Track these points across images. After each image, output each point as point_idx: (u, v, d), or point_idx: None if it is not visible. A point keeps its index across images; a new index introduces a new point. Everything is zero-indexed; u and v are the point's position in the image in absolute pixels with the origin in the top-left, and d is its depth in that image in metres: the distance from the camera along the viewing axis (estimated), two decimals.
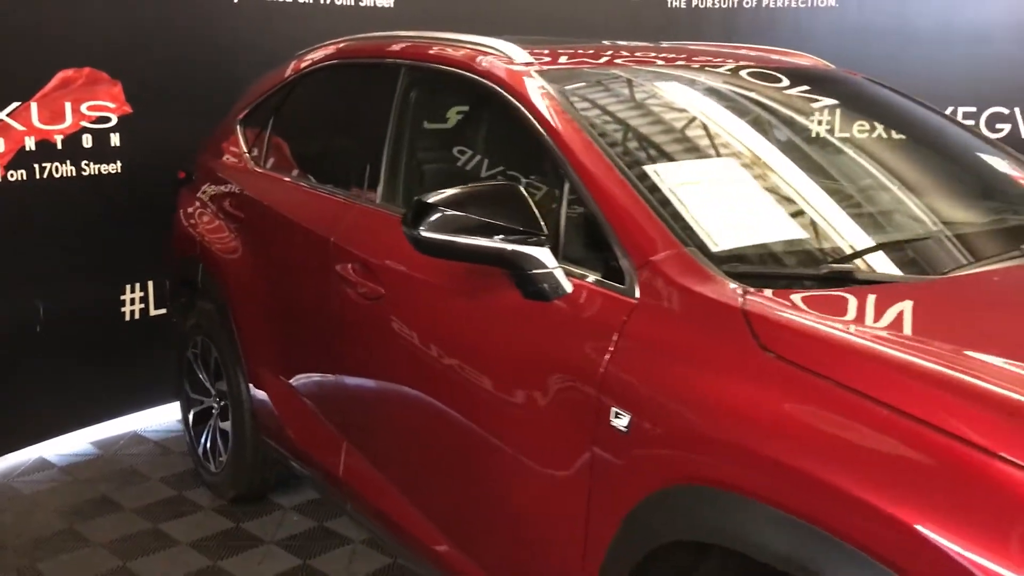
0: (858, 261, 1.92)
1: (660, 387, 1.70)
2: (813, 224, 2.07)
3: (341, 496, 2.84)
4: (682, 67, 2.58)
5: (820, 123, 2.47)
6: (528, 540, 2.06)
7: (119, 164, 4.25)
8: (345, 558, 3.27)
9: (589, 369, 1.83)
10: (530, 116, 2.20)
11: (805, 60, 3.01)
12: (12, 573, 3.19)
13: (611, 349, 1.81)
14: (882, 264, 1.93)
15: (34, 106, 3.91)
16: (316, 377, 2.94)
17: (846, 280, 1.82)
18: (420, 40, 2.76)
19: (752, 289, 1.73)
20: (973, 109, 5.37)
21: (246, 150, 3.48)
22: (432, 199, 1.97)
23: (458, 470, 2.27)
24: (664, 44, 2.93)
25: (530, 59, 2.41)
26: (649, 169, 2.05)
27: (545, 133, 2.15)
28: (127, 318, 4.45)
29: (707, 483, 1.59)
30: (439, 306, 2.30)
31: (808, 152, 2.38)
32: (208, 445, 3.73)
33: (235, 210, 3.35)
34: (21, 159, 3.90)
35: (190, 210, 3.65)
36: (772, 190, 2.13)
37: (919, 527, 1.30)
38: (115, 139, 4.23)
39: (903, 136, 2.61)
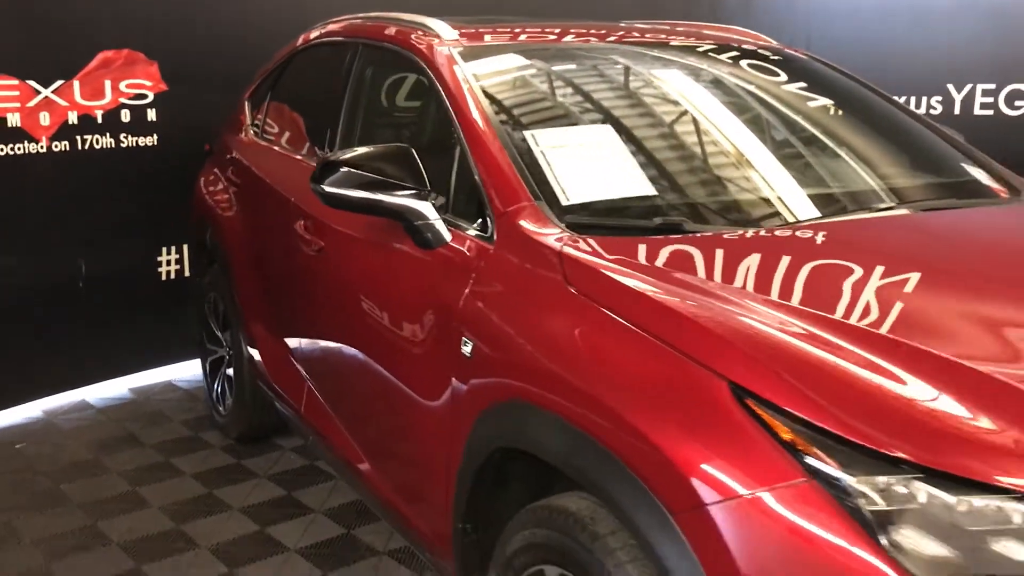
0: (691, 214, 2.14)
1: (494, 318, 1.97)
2: (666, 183, 2.30)
3: (304, 431, 3.19)
4: (602, 44, 2.81)
5: (718, 92, 2.68)
6: (416, 456, 2.36)
7: (155, 137, 4.67)
8: (325, 493, 3.61)
9: (452, 305, 2.11)
10: (440, 87, 2.49)
11: (747, 37, 3.19)
12: (38, 494, 3.65)
13: (468, 287, 2.09)
14: (716, 218, 2.16)
15: (76, 84, 4.36)
16: (287, 326, 3.30)
17: (676, 230, 2.05)
18: (373, 20, 3.06)
19: (577, 236, 1.98)
20: (992, 86, 5.37)
21: (249, 123, 3.85)
22: (335, 158, 2.27)
23: (370, 400, 2.59)
24: (621, 24, 3.15)
25: (455, 36, 2.68)
26: (528, 134, 2.30)
27: (448, 102, 2.43)
28: (163, 278, 4.89)
29: (519, 399, 1.86)
30: (360, 256, 2.61)
31: (692, 120, 2.59)
32: (219, 390, 4.14)
33: (235, 177, 3.72)
34: (65, 132, 4.36)
35: (205, 179, 4.04)
36: (638, 153, 2.36)
37: (650, 435, 1.54)
38: (151, 114, 4.66)
39: (802, 105, 2.79)
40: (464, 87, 2.41)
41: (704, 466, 1.46)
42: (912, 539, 1.31)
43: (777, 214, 2.21)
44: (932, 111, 5.46)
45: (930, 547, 1.30)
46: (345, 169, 2.23)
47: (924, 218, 2.30)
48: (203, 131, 4.55)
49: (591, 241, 1.95)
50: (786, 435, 1.40)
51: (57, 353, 4.51)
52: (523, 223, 2.04)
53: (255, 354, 3.56)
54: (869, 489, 1.33)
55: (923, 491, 1.33)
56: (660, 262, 1.89)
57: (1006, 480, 1.32)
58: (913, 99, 5.55)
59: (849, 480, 1.34)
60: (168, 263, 4.86)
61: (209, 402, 4.30)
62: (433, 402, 2.18)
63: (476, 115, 2.32)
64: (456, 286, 2.11)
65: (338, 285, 2.72)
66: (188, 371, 4.91)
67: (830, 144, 2.61)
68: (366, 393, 2.62)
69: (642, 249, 1.94)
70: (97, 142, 4.49)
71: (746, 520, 1.39)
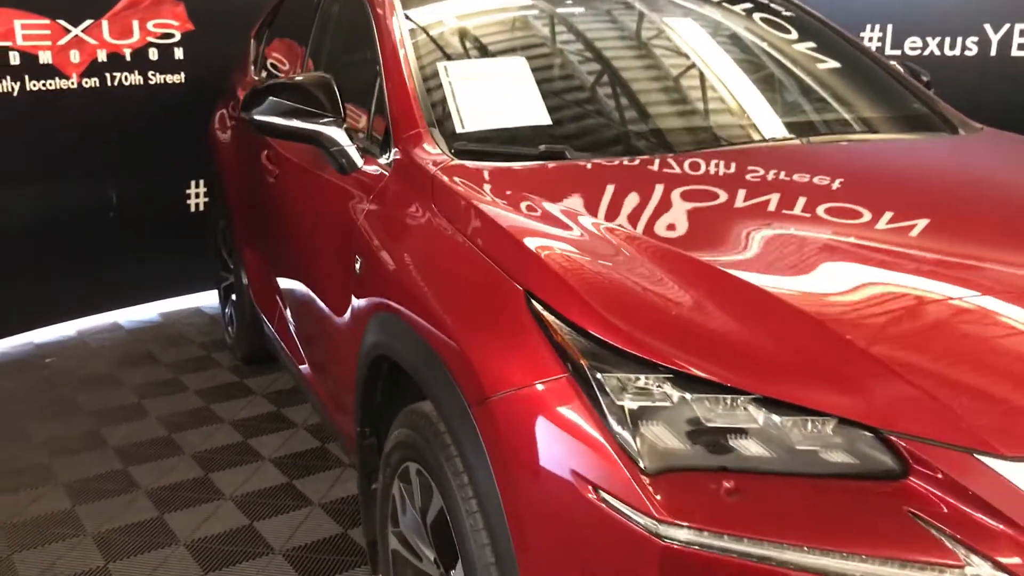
0: (579, 144, 2.25)
1: (375, 237, 2.13)
2: (565, 114, 2.40)
3: (276, 346, 3.42)
4: None
5: (635, 29, 2.74)
6: (335, 365, 2.55)
7: (182, 75, 4.93)
8: (310, 410, 3.85)
9: (351, 226, 2.27)
10: (374, 22, 2.62)
11: None
12: (54, 402, 3.99)
13: (365, 209, 2.24)
14: (604, 147, 2.25)
15: (105, 23, 4.62)
16: (264, 251, 3.51)
17: (560, 157, 2.16)
18: None
19: (454, 161, 2.11)
20: None
21: (251, 60, 4.05)
22: (262, 86, 2.44)
23: (309, 315, 2.79)
24: None
25: None
26: (441, 65, 2.42)
27: (377, 36, 2.57)
28: (192, 210, 5.18)
29: (388, 312, 2.01)
30: (300, 182, 2.79)
31: (605, 58, 2.67)
32: (228, 314, 4.41)
33: (234, 113, 3.93)
34: (94, 69, 4.64)
35: (216, 116, 4.27)
36: (546, 86, 2.46)
37: (459, 336, 1.68)
38: (179, 53, 4.91)
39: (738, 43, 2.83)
40: (395, 23, 2.54)
41: (492, 363, 1.59)
42: (652, 431, 1.42)
43: (665, 145, 2.29)
44: (967, 52, 5.31)
45: (668, 439, 1.41)
46: (271, 98, 2.39)
47: (806, 150, 2.34)
48: (229, 70, 4.77)
49: (466, 165, 2.08)
50: (558, 337, 1.52)
51: (92, 278, 4.85)
52: (414, 148, 2.18)
53: (246, 278, 3.79)
54: (619, 386, 1.45)
55: (672, 391, 1.44)
56: (520, 186, 2.00)
57: (748, 384, 1.42)
58: (947, 40, 5.40)
59: (601, 377, 1.45)
60: (196, 196, 5.14)
61: (223, 326, 4.58)
62: (341, 317, 2.36)
63: (397, 47, 2.45)
64: (357, 208, 2.27)
65: (286, 210, 2.91)
66: (215, 298, 5.20)
67: (738, 77, 2.65)
68: (305, 309, 2.82)
69: (510, 174, 2.06)
70: (126, 79, 4.75)
71: (517, 410, 1.52)
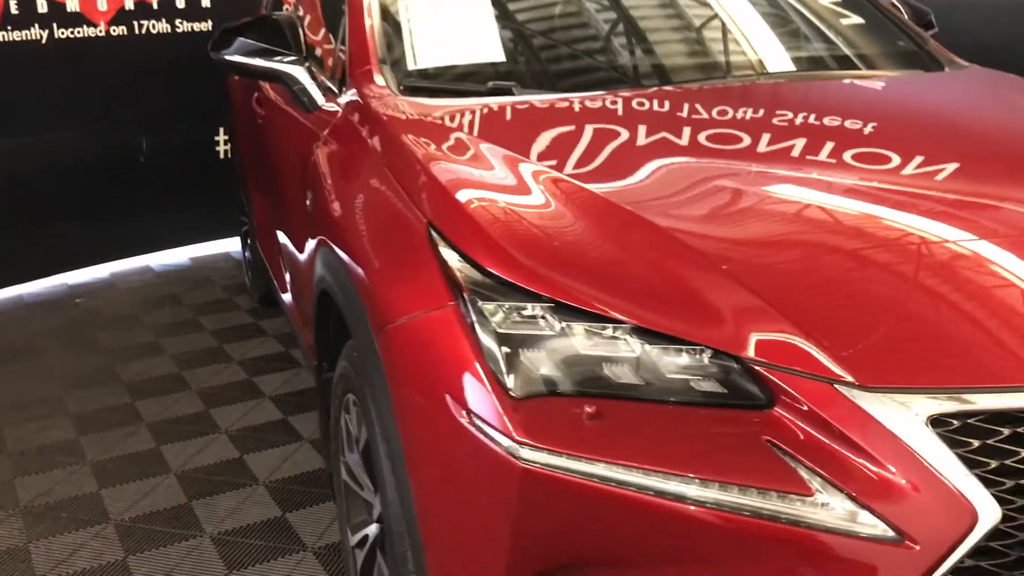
0: (529, 81, 2.24)
1: (320, 173, 2.17)
2: (520, 51, 2.39)
3: (274, 285, 3.51)
4: None
5: None
6: (302, 298, 2.62)
7: (210, 23, 5.01)
8: None
9: (306, 162, 2.32)
10: None
11: None
12: (76, 339, 4.16)
13: (319, 145, 2.28)
14: (554, 84, 2.25)
15: None
16: (261, 191, 3.59)
17: (506, 93, 2.17)
18: None
19: (397, 97, 2.13)
20: None
21: (264, 5, 4.10)
22: (230, 27, 2.48)
23: (285, 249, 2.86)
24: None
25: None
26: (401, 3, 2.44)
27: None
28: (221, 156, 5.29)
29: (326, 246, 2.06)
30: (277, 122, 2.84)
31: None
32: (247, 258, 4.52)
33: None
34: (122, 17, 4.75)
35: None
36: (506, 22, 2.45)
37: (371, 267, 1.73)
38: (205, 1, 4.98)
39: None
40: None
41: (392, 292, 1.63)
42: (529, 359, 1.44)
43: (617, 81, 2.27)
44: None
45: (541, 366, 1.43)
46: (239, 38, 2.44)
47: (763, 87, 2.30)
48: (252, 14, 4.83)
49: (408, 101, 2.10)
50: (449, 267, 1.55)
51: (124, 223, 5.00)
52: (365, 85, 2.20)
53: (254, 220, 3.89)
54: (502, 316, 1.47)
55: (553, 321, 1.45)
56: (453, 121, 2.02)
57: (627, 314, 1.42)
58: None
59: (483, 306, 1.48)
60: (225, 142, 5.24)
61: (245, 269, 4.71)
62: (302, 251, 2.41)
63: None
64: (312, 144, 2.31)
65: (271, 151, 2.97)
66: None
67: (715, 16, 2.60)
68: (284, 247, 2.89)
69: (448, 110, 2.07)
70: (153, 27, 4.85)
71: (408, 338, 1.56)
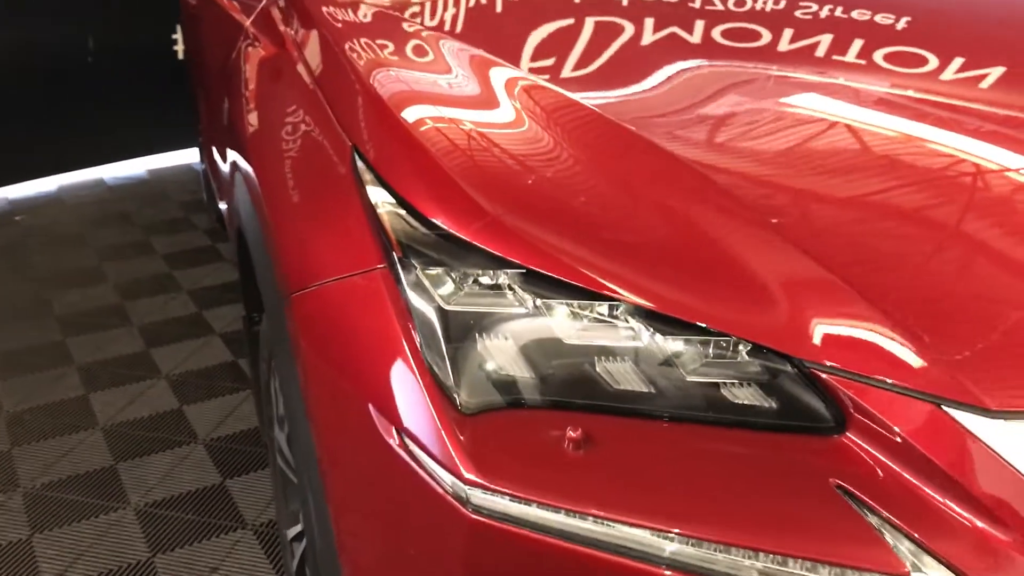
0: None
1: (238, 73, 1.68)
2: None
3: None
4: None
5: None
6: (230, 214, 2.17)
7: None
8: None
9: (227, 60, 1.82)
10: None
11: None
12: (10, 262, 3.70)
13: (241, 39, 1.79)
14: None
15: None
16: (203, 97, 3.09)
17: None
18: None
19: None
20: None
21: None
22: None
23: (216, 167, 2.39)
24: None
25: None
26: None
27: None
28: (180, 56, 4.74)
29: (240, 171, 1.59)
30: (208, 8, 2.33)
31: None
32: (203, 170, 4.04)
33: None
34: None
35: None
36: None
37: (281, 208, 1.27)
38: None
39: None
40: None
41: (301, 246, 1.17)
42: (486, 351, 0.99)
43: None
44: None
45: (503, 364, 0.98)
46: None
47: None
48: None
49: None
50: (378, 216, 1.08)
51: (73, 131, 4.50)
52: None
53: (201, 130, 3.40)
54: (451, 288, 1.01)
55: (524, 296, 1.00)
56: (400, 10, 1.52)
57: (631, 289, 0.97)
58: None
59: (422, 274, 1.02)
60: (184, 41, 4.69)
61: (203, 185, 4.23)
62: (224, 173, 1.94)
63: None
64: (237, 39, 1.81)
65: (202, 44, 2.46)
66: None
67: None
68: (216, 160, 2.42)
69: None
70: None
71: (316, 312, 1.11)
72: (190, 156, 4.84)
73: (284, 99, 1.45)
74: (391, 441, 0.98)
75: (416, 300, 1.00)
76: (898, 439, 0.87)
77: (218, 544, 2.13)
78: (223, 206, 2.60)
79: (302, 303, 1.11)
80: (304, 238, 1.17)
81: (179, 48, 4.67)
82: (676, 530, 0.87)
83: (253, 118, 1.56)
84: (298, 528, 1.70)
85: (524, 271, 0.99)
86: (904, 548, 0.85)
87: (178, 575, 2.02)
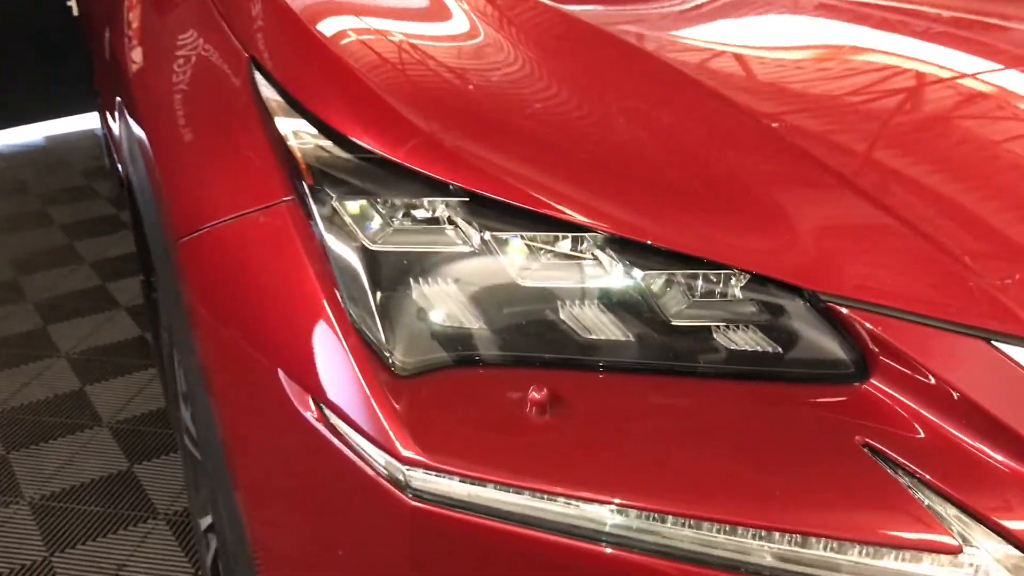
0: None
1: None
2: None
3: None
4: None
5: None
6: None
7: None
8: None
9: None
10: None
11: None
12: None
13: None
14: None
15: None
16: (91, 42, 2.81)
17: None
18: None
19: None
20: None
21: None
22: None
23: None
24: None
25: None
26: None
27: None
28: (75, 12, 4.38)
29: (123, 111, 1.35)
30: None
31: None
32: (104, 133, 3.73)
33: None
34: None
35: None
36: None
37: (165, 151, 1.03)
38: None
39: None
40: None
41: (192, 180, 0.95)
42: (423, 299, 0.79)
43: None
44: None
45: (445, 313, 0.78)
46: None
47: None
48: None
49: None
50: (282, 136, 0.87)
51: None
52: None
53: (99, 88, 3.10)
54: (378, 224, 0.81)
55: (469, 229, 0.80)
56: None
57: (600, 215, 0.77)
58: None
59: (340, 205, 0.81)
60: None
61: (104, 149, 3.92)
62: (111, 119, 1.70)
63: None
64: None
65: None
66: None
67: None
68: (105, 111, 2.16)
69: None
70: None
71: (211, 258, 0.89)
72: (93, 121, 4.51)
73: (171, 27, 1.22)
74: (308, 414, 0.77)
75: (333, 239, 0.80)
76: (936, 384, 0.70)
77: (125, 537, 1.90)
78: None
79: (191, 250, 0.90)
80: (193, 172, 0.95)
81: (72, 4, 4.32)
82: (669, 510, 0.68)
83: (137, 54, 1.32)
84: (211, 518, 1.48)
85: (468, 198, 0.79)
86: (950, 516, 0.68)
87: (80, 575, 1.80)
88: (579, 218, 0.77)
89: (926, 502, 0.68)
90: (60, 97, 4.42)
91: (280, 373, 0.79)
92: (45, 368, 2.52)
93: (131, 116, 1.20)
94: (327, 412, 0.76)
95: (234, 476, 0.90)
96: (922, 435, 0.71)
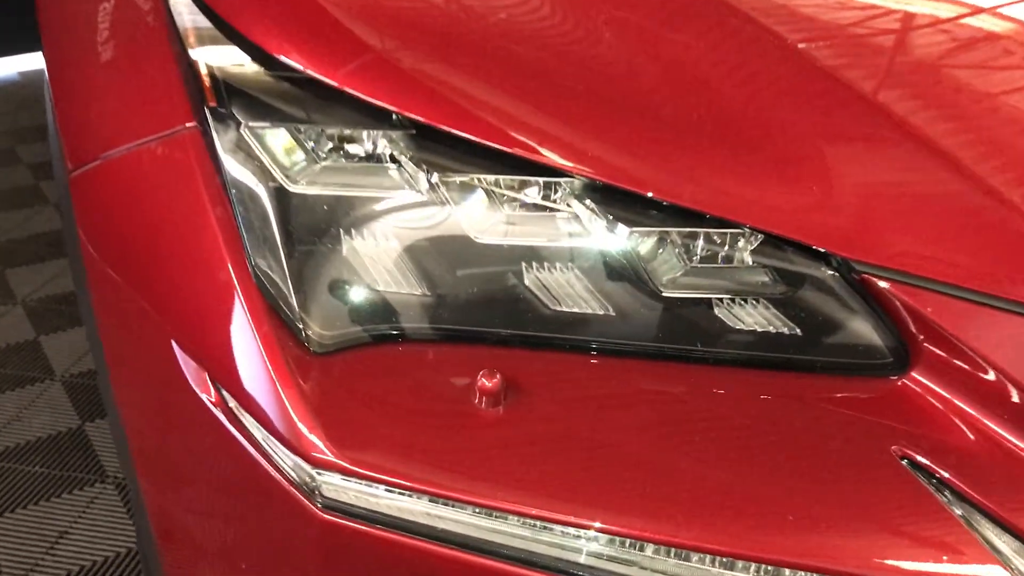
0: None
1: None
2: None
3: None
4: None
5: None
6: None
7: None
8: None
9: None
10: None
11: None
12: None
13: None
14: None
15: None
16: None
17: None
18: None
19: None
20: None
21: None
22: None
23: None
24: None
25: None
26: None
27: None
28: None
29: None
30: None
31: None
32: None
33: None
34: None
35: None
36: None
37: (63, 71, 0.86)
38: None
39: None
40: None
41: (87, 105, 0.77)
42: (351, 255, 0.62)
43: None
44: None
45: (382, 272, 0.62)
46: None
47: None
48: None
49: None
50: (185, 48, 0.69)
51: None
52: None
53: None
54: (303, 160, 0.64)
55: (412, 168, 0.63)
56: None
57: (577, 158, 0.60)
58: None
59: (251, 133, 0.64)
60: None
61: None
62: None
63: None
64: None
65: None
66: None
67: None
68: None
69: None
70: None
71: (106, 196, 0.72)
72: (30, 63, 4.28)
73: None
74: (205, 397, 0.61)
75: (239, 176, 0.63)
76: (995, 380, 0.54)
77: (70, 501, 1.75)
78: None
79: (81, 186, 0.73)
80: (88, 97, 0.78)
81: None
82: (651, 535, 0.52)
83: None
84: None
85: (416, 130, 0.62)
86: (1009, 550, 0.52)
87: (18, 542, 1.65)
88: (553, 158, 0.61)
89: (978, 531, 0.52)
90: (36, 30, 4.19)
91: (173, 345, 0.63)
92: None
93: (44, 39, 1.03)
94: (226, 396, 0.60)
95: (135, 468, 0.74)
96: (975, 444, 0.55)
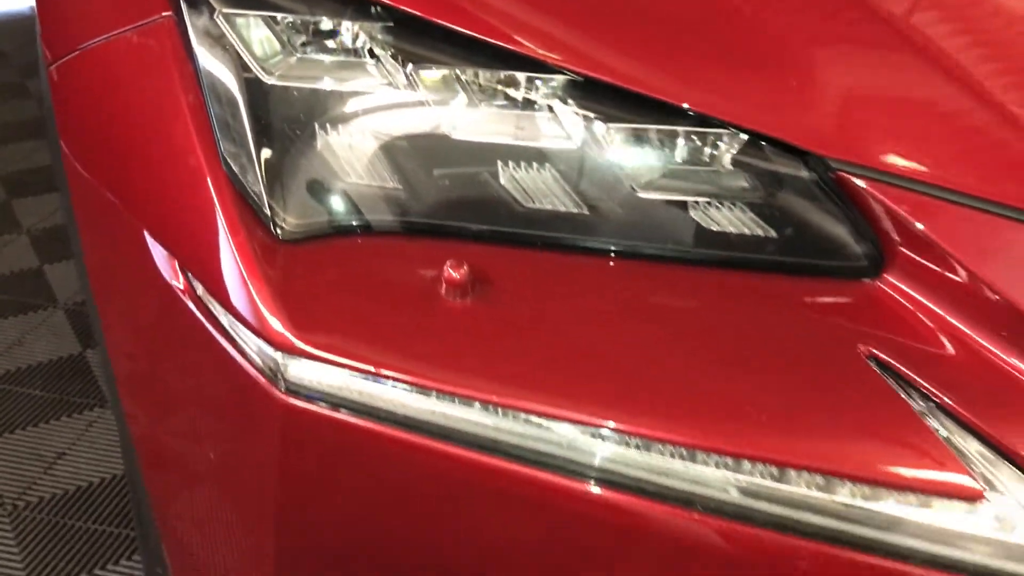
0: None
1: None
2: None
3: None
4: None
5: None
6: None
7: None
8: None
9: None
10: None
11: None
12: None
13: None
14: None
15: None
16: None
17: None
18: None
19: None
20: None
21: None
22: None
23: None
24: None
25: None
26: None
27: None
28: None
29: None
30: None
31: None
32: None
33: None
34: None
35: None
36: None
37: None
38: None
39: None
40: None
41: (83, 1, 0.76)
42: (323, 144, 0.62)
43: None
44: None
45: (351, 161, 0.61)
46: None
47: None
48: None
49: None
50: None
51: None
52: None
53: None
54: (271, 47, 0.63)
55: (384, 59, 0.62)
56: None
57: (553, 48, 0.59)
58: None
59: (228, 17, 0.63)
60: None
61: None
62: None
63: None
64: None
65: None
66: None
67: None
68: None
69: None
70: None
71: (81, 84, 0.72)
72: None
73: None
74: (175, 284, 0.61)
75: (212, 65, 0.62)
76: (968, 282, 0.53)
77: (69, 424, 1.77)
78: None
79: (58, 77, 0.72)
80: None
81: None
82: (611, 423, 0.52)
83: None
84: None
85: (391, 19, 0.61)
86: (972, 452, 0.51)
87: (16, 462, 1.67)
88: (533, 48, 0.59)
89: (943, 432, 0.52)
90: None
91: (145, 234, 0.63)
92: (4, 244, 2.36)
93: None
94: (194, 282, 0.60)
95: (111, 359, 0.75)
96: (945, 348, 0.55)
